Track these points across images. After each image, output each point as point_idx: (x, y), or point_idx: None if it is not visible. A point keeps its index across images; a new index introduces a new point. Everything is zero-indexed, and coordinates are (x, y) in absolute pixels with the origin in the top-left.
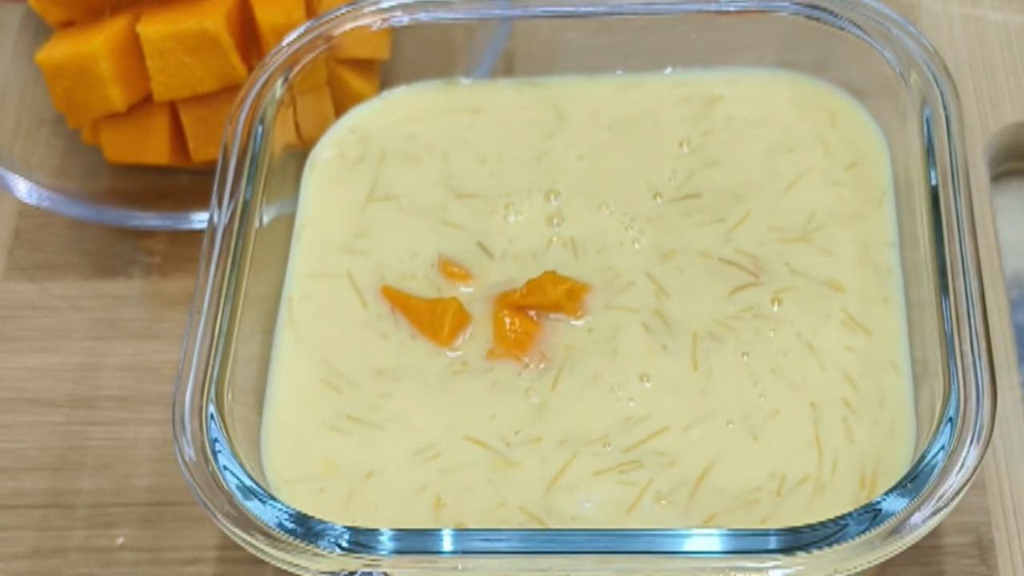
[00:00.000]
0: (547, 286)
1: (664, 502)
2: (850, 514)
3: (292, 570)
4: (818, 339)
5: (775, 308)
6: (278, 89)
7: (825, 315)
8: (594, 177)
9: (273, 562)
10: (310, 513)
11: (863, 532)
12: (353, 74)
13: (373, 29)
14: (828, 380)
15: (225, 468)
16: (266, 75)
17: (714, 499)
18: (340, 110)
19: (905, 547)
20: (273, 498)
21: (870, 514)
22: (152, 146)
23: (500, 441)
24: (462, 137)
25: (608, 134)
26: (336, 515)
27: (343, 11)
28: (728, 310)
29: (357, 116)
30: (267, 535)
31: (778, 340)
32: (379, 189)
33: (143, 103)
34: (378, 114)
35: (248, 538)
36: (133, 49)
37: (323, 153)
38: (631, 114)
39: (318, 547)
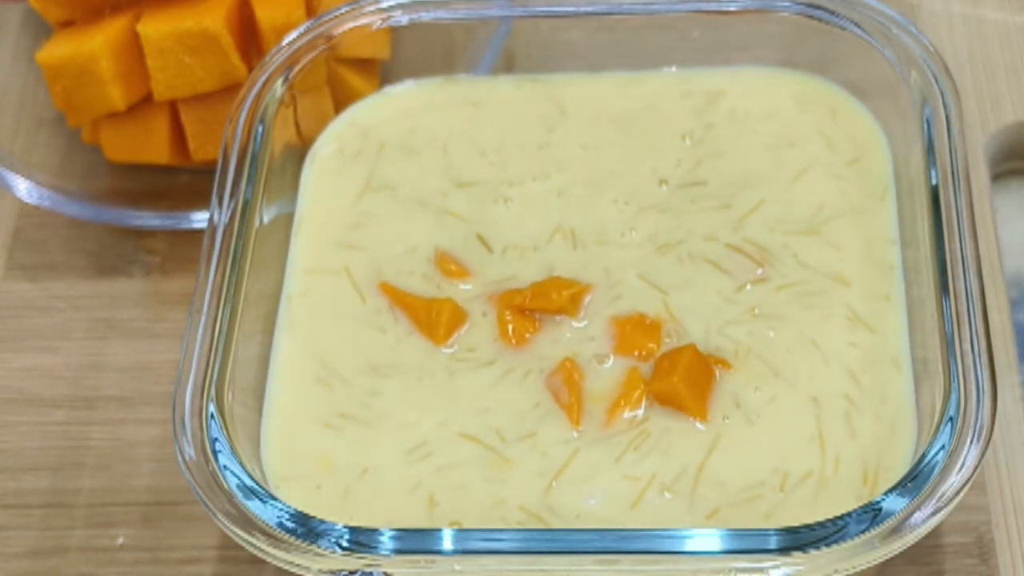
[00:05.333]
0: (551, 292)
1: (668, 494)
2: (850, 514)
3: (292, 570)
4: (822, 334)
5: (781, 301)
6: (278, 89)
7: (830, 309)
8: (598, 166)
9: (273, 562)
10: (307, 510)
11: (863, 532)
12: (353, 74)
13: (373, 28)
14: (831, 375)
15: (225, 468)
16: (266, 75)
17: (717, 494)
18: (340, 109)
19: (905, 547)
20: (273, 497)
21: (870, 514)
22: (152, 145)
23: (497, 438)
24: (462, 130)
25: (610, 128)
26: (333, 512)
27: (343, 11)
28: (734, 301)
29: (357, 111)
30: (267, 535)
31: (784, 335)
32: (376, 179)
33: (143, 102)
34: (378, 108)
35: (248, 538)
36: (133, 48)
37: (323, 148)
38: (633, 109)
39: (318, 547)
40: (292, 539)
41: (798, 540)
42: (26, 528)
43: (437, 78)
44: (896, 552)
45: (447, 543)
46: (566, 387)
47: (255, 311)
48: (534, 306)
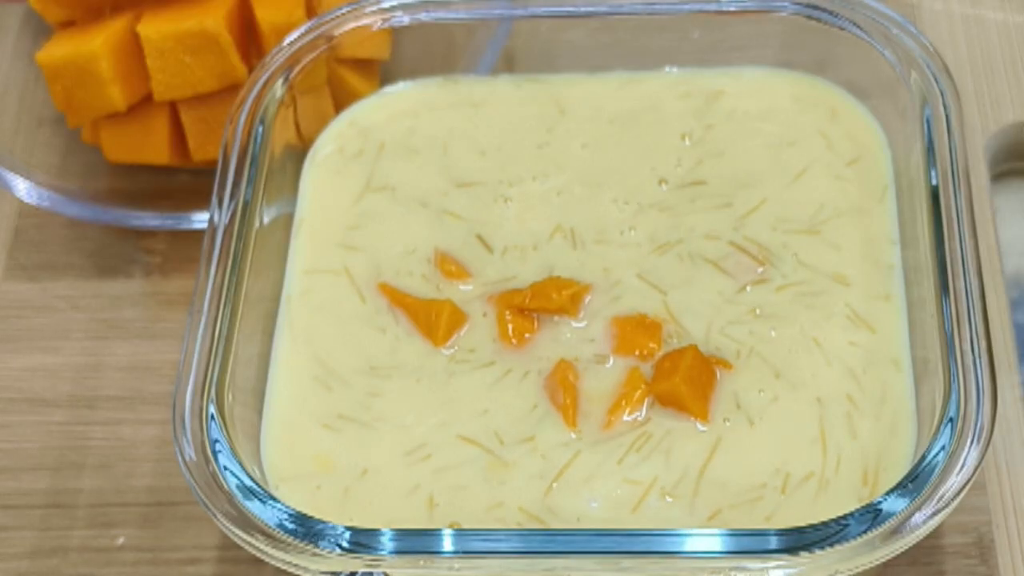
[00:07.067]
0: (551, 292)
1: (669, 498)
2: (851, 514)
3: (292, 570)
4: (824, 334)
5: (782, 301)
6: (278, 89)
7: (831, 309)
8: (598, 165)
9: (273, 562)
10: (307, 511)
11: (864, 532)
12: (353, 74)
13: (374, 29)
14: (833, 376)
15: (225, 468)
16: (266, 75)
17: (718, 496)
18: (340, 110)
19: (906, 547)
20: (273, 498)
21: (871, 514)
22: (152, 146)
23: (496, 441)
24: (462, 130)
25: (610, 127)
26: (333, 513)
27: (344, 11)
28: (735, 300)
29: (357, 111)
30: (267, 535)
31: (785, 334)
32: (377, 179)
33: (143, 103)
34: (378, 109)
35: (248, 538)
36: (133, 49)
37: (323, 148)
38: (632, 108)
39: (318, 547)
40: (292, 540)
41: (799, 541)
42: (26, 528)
43: (437, 78)
44: (897, 552)
45: (447, 544)
46: (561, 388)
47: (255, 312)
48: (534, 306)
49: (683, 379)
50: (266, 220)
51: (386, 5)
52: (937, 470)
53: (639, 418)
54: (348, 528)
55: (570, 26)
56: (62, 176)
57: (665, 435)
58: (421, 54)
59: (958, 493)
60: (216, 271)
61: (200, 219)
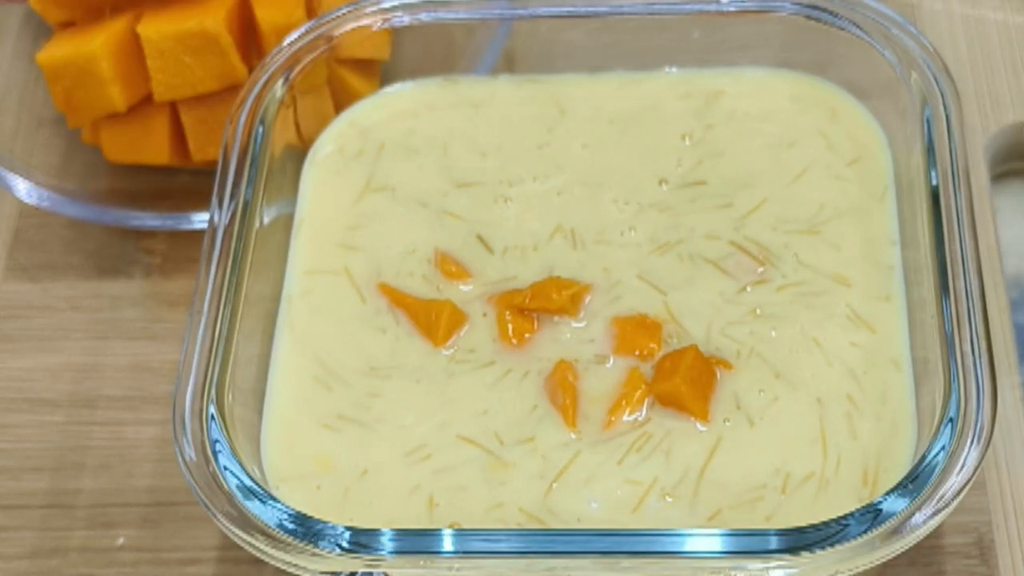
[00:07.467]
0: (551, 292)
1: (669, 499)
2: (851, 514)
3: (292, 570)
4: (824, 334)
5: (782, 301)
6: (279, 89)
7: (831, 310)
8: (598, 165)
9: (273, 562)
10: (307, 511)
11: (864, 532)
12: (353, 74)
13: (374, 29)
14: (833, 376)
15: (225, 468)
16: (267, 75)
17: (718, 496)
18: (340, 110)
19: (906, 547)
20: (273, 498)
21: (871, 514)
22: (152, 146)
23: (496, 441)
24: (462, 130)
25: (610, 128)
26: (333, 513)
27: (344, 11)
28: (735, 301)
29: (357, 111)
30: (267, 535)
31: (785, 335)
32: (377, 179)
33: (143, 103)
34: (378, 109)
35: (248, 538)
36: (133, 49)
37: (323, 148)
38: (633, 109)
39: (318, 547)
40: (292, 540)
41: (799, 541)
42: (26, 528)
43: (437, 78)
44: (897, 552)
45: (447, 544)
46: (561, 389)
47: (255, 312)
48: (534, 306)
49: (683, 379)
50: (266, 220)
51: (386, 5)
52: (937, 470)
53: (639, 418)
54: (348, 528)
55: (570, 26)
56: (62, 176)
57: (665, 435)
58: (421, 54)
59: (958, 493)
60: (216, 271)
61: (200, 219)
